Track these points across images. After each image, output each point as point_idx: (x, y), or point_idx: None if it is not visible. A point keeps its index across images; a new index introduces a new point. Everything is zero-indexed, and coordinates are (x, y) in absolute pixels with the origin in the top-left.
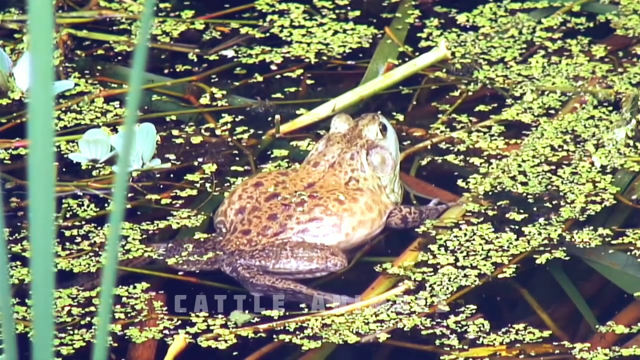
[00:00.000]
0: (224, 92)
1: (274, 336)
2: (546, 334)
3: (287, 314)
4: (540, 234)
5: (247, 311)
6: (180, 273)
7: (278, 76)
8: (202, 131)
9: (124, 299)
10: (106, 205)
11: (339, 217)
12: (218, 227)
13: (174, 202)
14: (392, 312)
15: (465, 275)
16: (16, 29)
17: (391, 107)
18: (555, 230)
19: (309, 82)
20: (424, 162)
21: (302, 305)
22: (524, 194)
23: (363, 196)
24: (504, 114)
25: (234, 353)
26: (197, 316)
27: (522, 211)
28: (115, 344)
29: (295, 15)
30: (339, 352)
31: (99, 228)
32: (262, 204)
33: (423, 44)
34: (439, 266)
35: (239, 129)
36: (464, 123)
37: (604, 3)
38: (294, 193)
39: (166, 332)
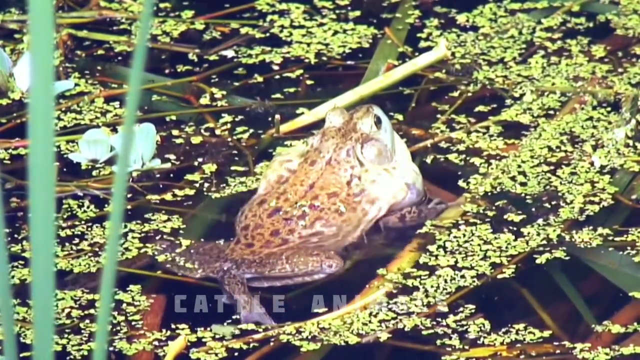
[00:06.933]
0: (224, 92)
1: (273, 337)
2: (546, 333)
3: (268, 327)
4: (539, 234)
5: (226, 323)
6: (179, 273)
7: (278, 76)
8: (202, 131)
9: (123, 302)
10: (106, 205)
11: (338, 228)
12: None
13: (173, 201)
14: (389, 312)
15: (463, 276)
16: (16, 29)
17: (391, 107)
18: (554, 230)
19: (308, 82)
20: (425, 162)
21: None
22: (523, 195)
23: (361, 203)
24: (504, 114)
25: (235, 354)
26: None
27: (521, 212)
28: (114, 345)
29: (296, 15)
30: (340, 352)
31: (99, 228)
32: (265, 220)
33: (423, 44)
34: (438, 267)
35: (239, 129)
36: (463, 123)
37: (604, 3)
38: (294, 205)
39: (167, 333)
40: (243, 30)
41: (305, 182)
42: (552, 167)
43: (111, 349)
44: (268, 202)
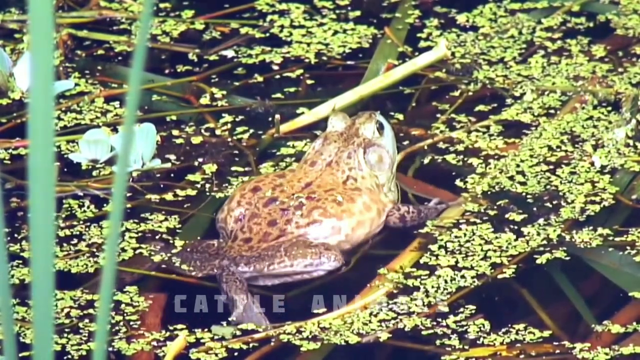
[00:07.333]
0: (224, 92)
1: (273, 337)
2: (546, 333)
3: (268, 327)
4: (539, 234)
5: (225, 323)
6: (176, 275)
7: (278, 76)
8: (202, 131)
9: (122, 302)
10: (105, 205)
11: (337, 218)
12: (220, 231)
13: (173, 201)
14: (389, 312)
15: (464, 276)
16: (16, 29)
17: (391, 107)
18: (555, 230)
19: (309, 82)
20: (424, 162)
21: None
22: (524, 194)
23: (361, 196)
24: (504, 114)
25: (235, 354)
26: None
27: (521, 211)
28: (113, 345)
29: (295, 15)
30: (340, 352)
31: (96, 228)
32: (261, 209)
33: (423, 44)
34: (438, 267)
35: (239, 129)
36: (463, 123)
37: (604, 3)
38: (291, 196)
39: (166, 334)
40: (243, 30)
41: (303, 180)
42: (552, 167)
43: (110, 349)
44: (263, 192)
